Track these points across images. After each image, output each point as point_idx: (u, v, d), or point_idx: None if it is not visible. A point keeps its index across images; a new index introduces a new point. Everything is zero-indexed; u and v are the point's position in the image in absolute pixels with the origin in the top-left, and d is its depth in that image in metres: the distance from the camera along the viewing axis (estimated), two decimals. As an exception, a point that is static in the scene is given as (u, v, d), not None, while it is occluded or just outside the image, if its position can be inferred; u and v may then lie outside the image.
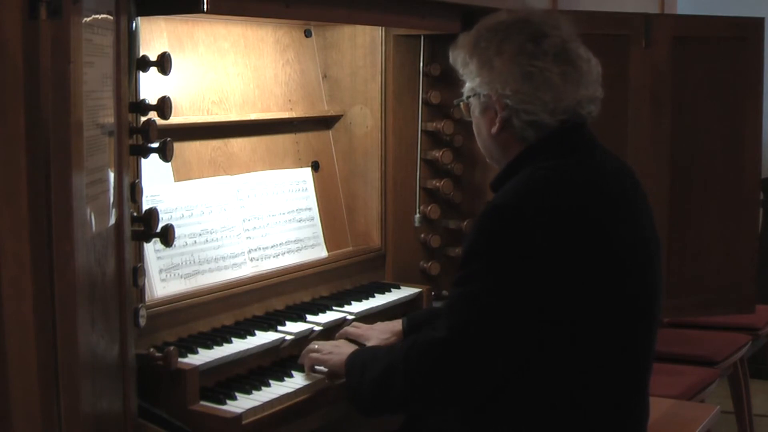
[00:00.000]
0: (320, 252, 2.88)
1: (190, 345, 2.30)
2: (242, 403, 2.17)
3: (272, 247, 2.73)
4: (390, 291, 2.91)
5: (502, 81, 2.11)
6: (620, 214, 2.08)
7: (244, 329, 2.44)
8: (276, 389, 2.27)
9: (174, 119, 2.26)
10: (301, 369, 2.38)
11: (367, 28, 2.97)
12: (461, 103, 2.28)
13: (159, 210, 2.10)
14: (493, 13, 2.24)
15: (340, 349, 2.34)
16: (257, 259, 2.67)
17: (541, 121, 2.10)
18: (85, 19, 1.59)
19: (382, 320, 2.80)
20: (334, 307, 2.69)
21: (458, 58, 2.22)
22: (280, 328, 2.49)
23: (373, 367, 2.15)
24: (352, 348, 2.35)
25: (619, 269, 2.03)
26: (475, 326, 2.00)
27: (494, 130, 2.15)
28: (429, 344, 2.05)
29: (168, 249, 2.34)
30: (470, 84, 2.20)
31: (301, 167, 2.91)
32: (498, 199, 2.06)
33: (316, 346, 2.39)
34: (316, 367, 2.36)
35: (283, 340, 2.43)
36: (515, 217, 2.00)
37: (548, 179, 2.05)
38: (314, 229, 2.88)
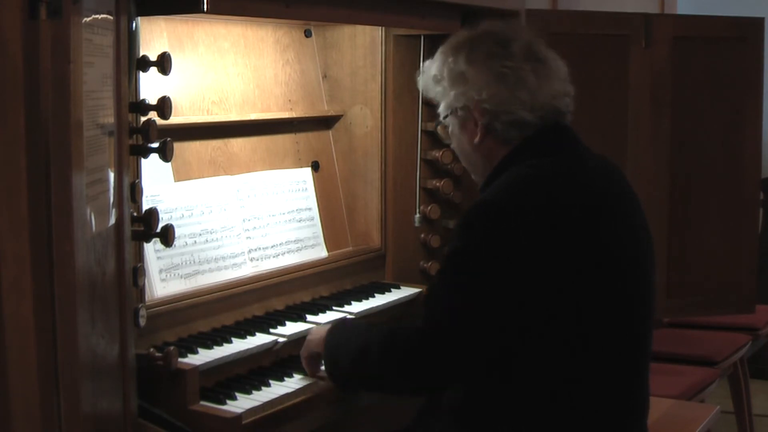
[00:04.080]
0: (320, 252, 2.88)
1: (190, 345, 2.30)
2: (242, 403, 2.17)
3: (272, 247, 2.73)
4: (390, 291, 2.91)
5: (477, 88, 2.13)
6: (607, 208, 2.09)
7: (244, 329, 2.44)
8: (276, 389, 2.27)
9: (174, 119, 2.26)
10: (301, 369, 2.38)
11: (367, 28, 2.97)
12: (439, 126, 2.31)
13: (159, 210, 2.10)
14: (453, 35, 2.28)
15: (315, 332, 2.35)
16: (257, 259, 2.67)
17: (522, 119, 2.12)
18: (85, 19, 1.59)
19: (384, 320, 2.80)
20: (334, 307, 2.69)
21: (429, 79, 2.25)
22: (279, 328, 2.49)
23: (349, 344, 2.17)
24: (324, 328, 2.35)
25: (607, 263, 2.04)
26: (450, 319, 2.01)
27: (477, 139, 2.17)
28: (405, 333, 2.08)
29: (168, 249, 2.34)
30: (445, 102, 2.22)
31: (301, 167, 2.91)
32: (483, 196, 2.08)
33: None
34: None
35: (275, 342, 2.43)
36: (499, 213, 2.01)
37: (533, 176, 2.07)
38: (314, 229, 2.88)
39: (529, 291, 1.97)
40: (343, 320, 2.38)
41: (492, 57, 2.13)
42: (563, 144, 2.15)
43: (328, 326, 2.34)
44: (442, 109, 2.25)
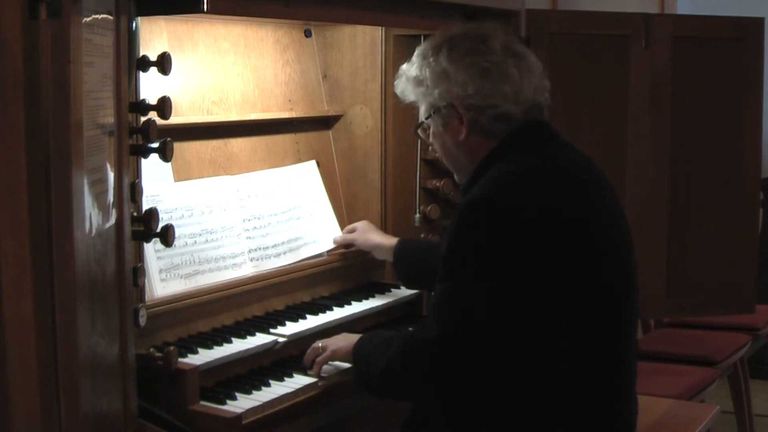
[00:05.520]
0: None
1: (190, 345, 2.30)
2: (242, 403, 2.17)
3: (272, 247, 2.72)
4: (390, 291, 2.91)
5: (461, 84, 2.14)
6: (594, 202, 2.11)
7: (244, 329, 2.44)
8: (276, 389, 2.27)
9: (174, 119, 2.26)
10: (301, 369, 2.38)
11: (367, 28, 2.97)
12: (420, 129, 2.30)
13: (159, 210, 2.10)
14: (428, 38, 2.29)
15: (342, 341, 2.35)
16: (257, 259, 2.67)
17: (507, 113, 2.14)
18: (85, 19, 1.59)
19: (383, 320, 2.82)
20: (334, 307, 2.69)
21: (409, 81, 2.25)
22: (279, 328, 2.49)
23: (377, 362, 2.17)
24: (351, 338, 2.35)
25: (597, 256, 2.06)
26: (462, 323, 2.01)
27: (461, 135, 2.17)
28: (422, 344, 2.08)
29: (168, 249, 2.34)
30: (428, 101, 2.22)
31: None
32: (474, 194, 2.07)
33: (320, 344, 2.39)
34: (324, 367, 2.36)
35: (275, 342, 2.43)
36: (492, 210, 2.02)
37: (522, 171, 2.08)
38: (314, 229, 2.87)
39: (526, 284, 1.98)
40: (370, 333, 2.38)
41: (473, 53, 2.15)
42: (545, 139, 2.17)
43: (354, 338, 2.33)
44: (423, 111, 2.26)
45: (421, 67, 2.22)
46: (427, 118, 2.25)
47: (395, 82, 2.33)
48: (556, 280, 1.99)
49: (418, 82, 2.23)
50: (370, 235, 2.86)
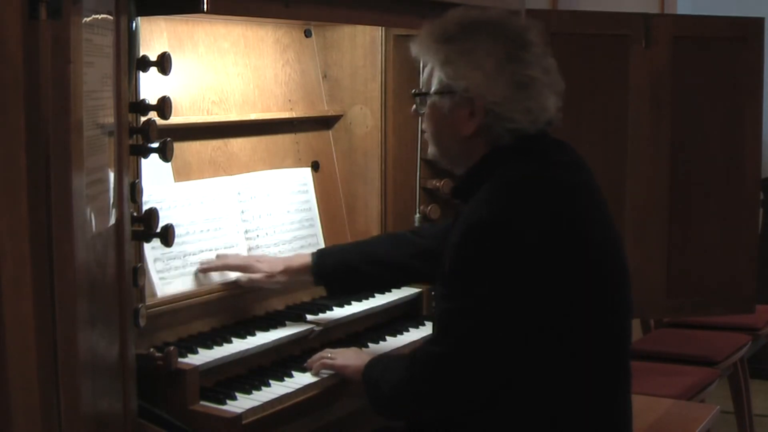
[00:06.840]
0: (320, 252, 2.87)
1: (190, 345, 2.30)
2: (242, 403, 2.17)
3: (272, 246, 2.72)
4: (390, 291, 2.91)
5: (492, 87, 2.05)
6: (593, 210, 2.10)
7: (244, 329, 2.44)
8: (276, 389, 2.27)
9: (174, 119, 2.26)
10: (301, 369, 2.38)
11: (367, 28, 2.97)
12: (419, 99, 2.20)
13: (159, 210, 2.10)
14: (458, 8, 2.16)
15: (353, 359, 2.34)
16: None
17: (522, 129, 2.07)
18: (85, 19, 1.59)
19: (383, 320, 2.81)
20: (335, 307, 2.69)
21: (438, 53, 2.11)
22: (279, 328, 2.49)
23: (386, 382, 2.16)
24: (363, 356, 2.34)
25: (598, 262, 2.05)
26: (472, 341, 2.00)
27: (466, 131, 2.09)
28: (430, 360, 2.07)
29: (168, 249, 2.34)
30: (447, 81, 2.09)
31: (301, 167, 2.90)
32: (481, 211, 2.01)
33: (329, 354, 2.39)
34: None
35: (276, 342, 2.43)
36: (497, 230, 1.97)
37: (529, 184, 2.04)
38: (314, 229, 2.87)
39: (537, 300, 1.97)
40: (380, 356, 2.34)
41: (514, 60, 2.06)
42: (546, 147, 2.12)
43: (365, 357, 2.32)
44: (434, 84, 2.13)
45: (456, 47, 2.08)
46: (436, 93, 2.12)
47: (414, 43, 2.17)
48: (561, 292, 1.98)
49: (448, 60, 2.09)
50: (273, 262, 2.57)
